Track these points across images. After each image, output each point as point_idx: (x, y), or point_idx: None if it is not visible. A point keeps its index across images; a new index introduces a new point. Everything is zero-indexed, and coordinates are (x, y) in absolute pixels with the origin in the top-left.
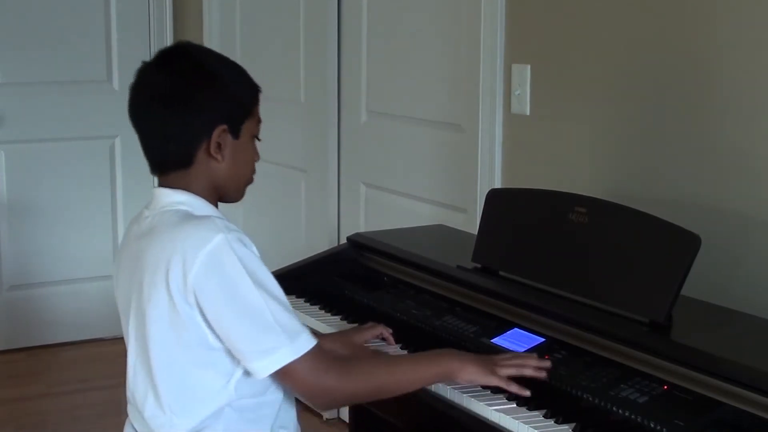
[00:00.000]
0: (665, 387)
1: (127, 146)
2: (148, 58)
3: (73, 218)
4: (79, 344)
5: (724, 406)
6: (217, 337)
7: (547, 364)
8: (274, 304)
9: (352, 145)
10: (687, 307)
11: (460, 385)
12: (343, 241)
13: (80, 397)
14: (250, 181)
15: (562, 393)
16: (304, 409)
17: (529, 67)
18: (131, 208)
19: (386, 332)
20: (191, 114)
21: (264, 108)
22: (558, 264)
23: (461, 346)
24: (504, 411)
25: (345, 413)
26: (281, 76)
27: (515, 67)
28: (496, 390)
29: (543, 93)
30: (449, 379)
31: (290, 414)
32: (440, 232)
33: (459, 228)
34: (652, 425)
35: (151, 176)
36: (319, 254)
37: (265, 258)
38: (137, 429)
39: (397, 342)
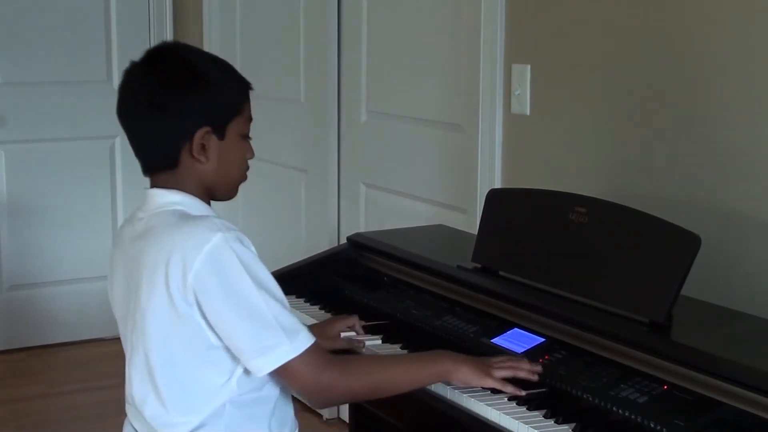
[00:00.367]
0: (665, 387)
1: (127, 146)
2: None
3: (73, 218)
4: (79, 344)
5: (724, 406)
6: (217, 335)
7: (539, 369)
8: (273, 303)
9: (352, 145)
10: (687, 307)
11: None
12: (343, 241)
13: (80, 397)
14: (241, 179)
15: (562, 393)
16: (303, 409)
17: (529, 67)
18: (131, 208)
19: (358, 324)
20: (172, 116)
21: (264, 108)
22: (558, 264)
23: (461, 346)
24: (504, 411)
25: (345, 413)
26: (281, 75)
27: (515, 67)
28: (497, 390)
29: (543, 93)
30: (444, 380)
31: (287, 410)
32: (440, 232)
33: (459, 228)
34: (652, 425)
35: None
36: (319, 254)
37: (265, 258)
38: (137, 429)
39: (397, 342)
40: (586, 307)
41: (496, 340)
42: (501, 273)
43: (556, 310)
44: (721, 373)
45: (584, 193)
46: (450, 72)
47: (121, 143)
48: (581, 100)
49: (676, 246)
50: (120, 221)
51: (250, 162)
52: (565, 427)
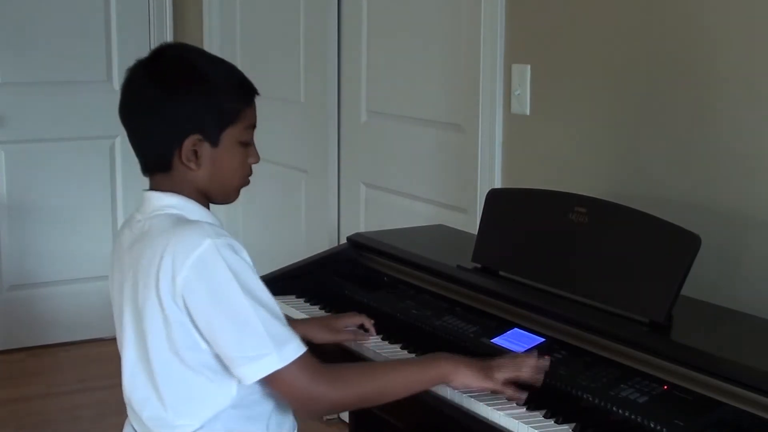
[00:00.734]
0: (665, 387)
1: (127, 146)
2: None
3: (72, 218)
4: (79, 344)
5: (724, 406)
6: (206, 341)
7: (546, 363)
8: (263, 311)
9: (352, 145)
10: (687, 307)
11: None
12: (343, 241)
13: (80, 397)
14: (241, 185)
15: (562, 393)
16: None
17: (529, 67)
18: (131, 208)
19: (368, 322)
20: (164, 121)
21: (264, 108)
22: (558, 264)
23: (461, 346)
24: (504, 411)
25: (345, 414)
26: (281, 76)
27: (515, 67)
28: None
29: (543, 93)
30: (443, 383)
31: (286, 410)
32: (440, 232)
33: (459, 228)
34: (652, 425)
35: None
36: (319, 254)
37: (265, 258)
38: (137, 429)
39: (397, 342)
40: (586, 307)
41: (496, 340)
42: (501, 273)
43: (556, 310)
44: (721, 373)
45: (584, 193)
46: (450, 72)
47: (121, 143)
48: (581, 100)
49: (676, 246)
50: (120, 221)
51: None
52: (565, 427)
